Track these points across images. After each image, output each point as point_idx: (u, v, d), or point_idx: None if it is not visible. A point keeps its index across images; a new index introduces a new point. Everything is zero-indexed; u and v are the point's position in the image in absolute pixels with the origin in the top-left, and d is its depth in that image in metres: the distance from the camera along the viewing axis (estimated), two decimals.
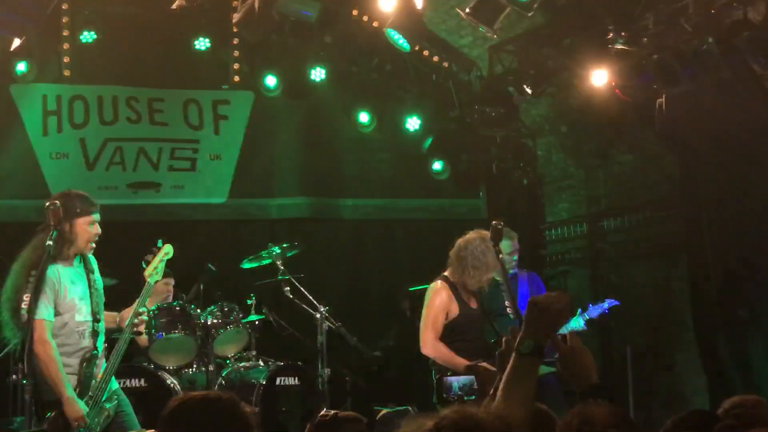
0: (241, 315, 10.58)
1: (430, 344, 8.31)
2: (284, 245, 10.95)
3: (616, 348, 13.29)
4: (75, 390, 7.08)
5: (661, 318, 12.70)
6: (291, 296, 10.74)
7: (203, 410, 3.78)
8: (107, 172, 12.52)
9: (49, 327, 7.02)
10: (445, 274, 8.57)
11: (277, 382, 10.26)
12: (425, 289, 8.75)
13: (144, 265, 7.86)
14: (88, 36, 11.97)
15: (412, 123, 13.15)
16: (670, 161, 12.46)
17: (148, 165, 12.68)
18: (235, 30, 11.67)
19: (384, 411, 11.08)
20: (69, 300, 7.16)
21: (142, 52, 12.48)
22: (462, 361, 8.19)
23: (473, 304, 8.52)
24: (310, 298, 10.64)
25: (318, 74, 12.41)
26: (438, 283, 8.52)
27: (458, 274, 8.45)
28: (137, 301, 7.51)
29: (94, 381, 7.21)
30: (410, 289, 12.27)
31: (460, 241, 8.54)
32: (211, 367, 10.21)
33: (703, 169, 11.72)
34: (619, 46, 9.98)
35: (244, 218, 13.16)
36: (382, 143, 13.78)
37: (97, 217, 7.33)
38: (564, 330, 8.50)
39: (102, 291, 7.50)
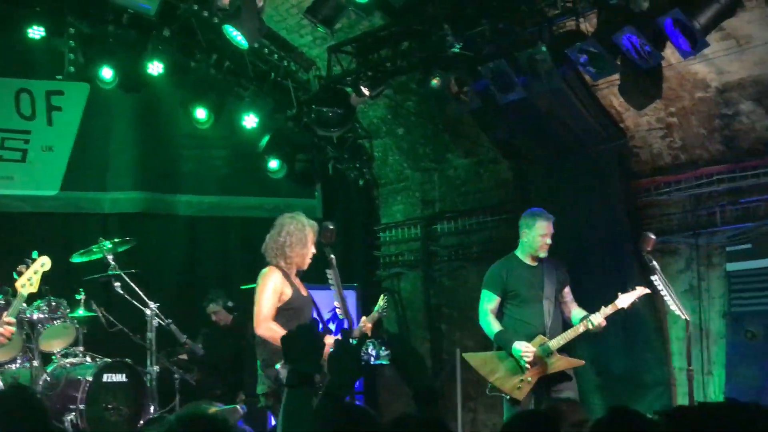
0: (68, 310, 10.39)
1: (264, 324, 8.21)
2: (116, 240, 10.80)
3: (446, 350, 13.47)
4: None
5: None
6: (121, 292, 10.58)
7: None
8: None
9: None
10: (272, 262, 8.52)
11: (105, 378, 10.14)
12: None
13: (15, 276, 7.68)
14: None
15: (250, 120, 13.09)
16: (504, 166, 12.68)
17: None
18: (70, 19, 11.46)
19: (212, 409, 11.00)
20: None
21: None
22: None
23: (304, 291, 8.51)
24: (141, 294, 10.50)
25: (156, 68, 12.23)
26: (268, 268, 8.46)
27: (284, 259, 8.44)
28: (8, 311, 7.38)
29: None
30: (242, 287, 12.23)
31: (273, 231, 8.59)
32: (35, 363, 10.00)
33: (536, 175, 11.97)
34: (457, 51, 10.10)
35: (75, 211, 12.90)
36: (219, 140, 13.70)
37: None
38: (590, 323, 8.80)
39: None
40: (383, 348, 4.12)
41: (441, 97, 11.21)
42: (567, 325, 9.28)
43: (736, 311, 10.29)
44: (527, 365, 8.99)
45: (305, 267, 8.54)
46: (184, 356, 11.73)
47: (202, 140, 13.57)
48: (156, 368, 10.34)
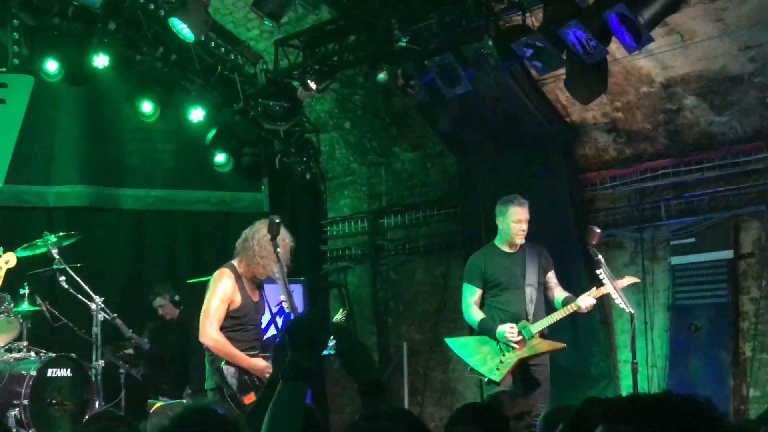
0: (12, 304, 10.29)
1: (209, 334, 8.20)
2: (60, 234, 10.69)
3: (393, 344, 13.50)
4: None
5: (438, 314, 12.94)
6: (66, 286, 10.48)
7: None
8: None
9: None
10: (232, 263, 8.48)
11: (49, 373, 10.02)
12: (203, 282, 8.67)
13: None
14: None
15: (196, 114, 13.01)
16: (450, 160, 12.72)
17: None
18: (14, 11, 11.35)
19: (158, 404, 10.97)
20: None
21: None
22: (239, 355, 8.17)
23: (255, 297, 8.47)
24: (86, 288, 10.41)
25: (101, 61, 12.12)
26: (223, 271, 8.40)
27: (245, 265, 8.39)
28: None
29: None
30: (188, 281, 12.18)
31: (246, 232, 8.47)
32: None
33: (482, 169, 12.01)
34: (403, 45, 10.10)
35: (20, 205, 12.76)
36: (165, 134, 13.61)
37: None
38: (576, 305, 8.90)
39: None
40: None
41: (388, 91, 11.22)
42: (552, 309, 9.32)
43: (680, 304, 10.40)
44: (513, 345, 9.07)
45: (267, 276, 8.45)
46: (130, 351, 11.66)
47: (148, 134, 13.48)
48: (101, 363, 10.26)
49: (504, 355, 9.12)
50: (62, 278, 10.46)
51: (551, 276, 9.47)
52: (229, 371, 8.18)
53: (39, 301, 10.69)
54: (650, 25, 8.60)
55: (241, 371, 8.20)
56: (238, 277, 8.36)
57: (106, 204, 13.29)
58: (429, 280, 13.22)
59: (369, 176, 13.96)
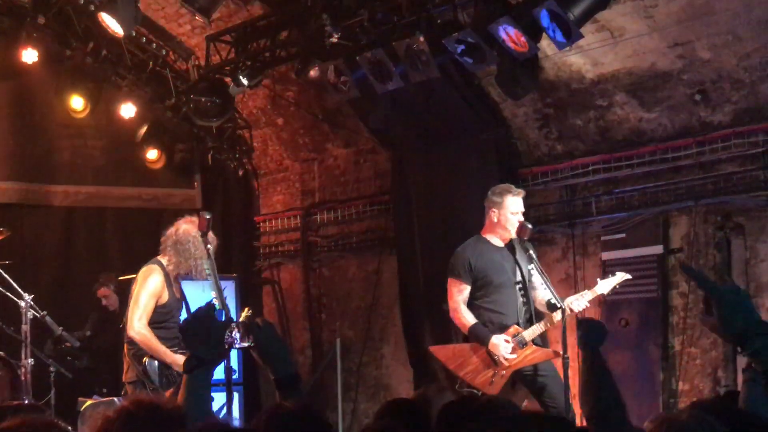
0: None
1: (137, 328, 8.29)
2: None
3: (326, 340, 13.50)
4: None
5: (371, 311, 12.96)
6: None
7: None
8: None
9: None
10: (159, 259, 8.54)
11: None
12: (134, 279, 8.67)
13: None
14: None
15: (127, 110, 12.90)
16: (383, 157, 12.74)
17: None
18: None
19: (89, 402, 10.86)
20: None
21: None
22: (164, 350, 8.28)
23: (178, 294, 8.57)
24: (15, 285, 10.29)
25: (30, 56, 11.98)
26: (153, 267, 8.48)
27: (174, 263, 8.46)
28: None
29: None
30: (119, 278, 12.09)
31: (171, 229, 8.54)
32: None
33: (413, 165, 12.03)
34: (335, 41, 10.09)
35: None
36: (96, 130, 13.48)
37: None
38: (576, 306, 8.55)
39: None
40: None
41: (320, 87, 11.21)
42: (537, 311, 8.87)
43: (610, 299, 10.48)
44: (509, 359, 8.62)
45: (202, 276, 8.49)
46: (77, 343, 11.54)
47: (78, 130, 13.35)
48: (31, 361, 10.15)
49: (497, 366, 8.66)
50: None
51: (536, 274, 8.92)
52: (152, 366, 8.27)
53: None
54: (580, 21, 8.66)
55: (164, 366, 8.32)
56: (166, 274, 8.45)
57: (35, 200, 13.15)
58: (362, 276, 13.23)
59: (302, 172, 13.95)
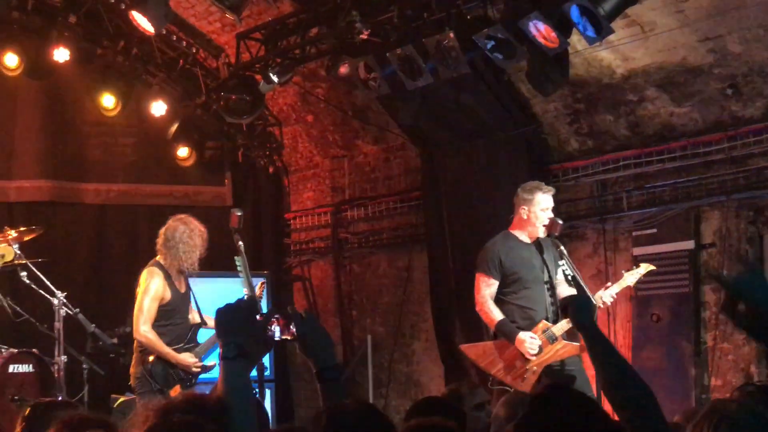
0: None
1: (142, 332, 8.87)
2: (22, 229, 10.64)
3: (357, 336, 13.52)
4: None
5: (401, 307, 12.97)
6: (28, 281, 10.45)
7: None
8: None
9: None
10: (157, 259, 9.06)
11: (11, 369, 10.00)
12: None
13: None
14: None
15: (158, 108, 12.96)
16: (413, 153, 12.74)
17: None
18: None
19: (121, 399, 10.91)
20: None
21: None
22: (169, 352, 8.90)
23: (182, 288, 9.10)
24: (48, 283, 10.38)
25: (61, 55, 12.05)
26: (152, 269, 9.02)
27: (170, 260, 9.00)
28: None
29: None
30: None
31: (163, 231, 9.11)
32: None
33: (443, 162, 12.03)
34: (365, 38, 10.10)
35: None
36: (127, 127, 13.55)
37: None
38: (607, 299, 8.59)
39: None
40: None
41: (349, 84, 11.22)
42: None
43: (642, 295, 10.45)
44: (530, 356, 8.60)
45: (194, 268, 9.10)
46: (115, 340, 11.60)
47: (109, 128, 13.42)
48: (64, 358, 10.24)
49: (528, 362, 8.63)
50: (23, 273, 10.43)
51: (561, 270, 8.92)
52: (155, 368, 8.88)
53: (0, 296, 10.64)
54: (611, 16, 8.63)
55: (169, 365, 8.89)
56: (166, 274, 8.98)
57: (67, 198, 13.23)
58: (392, 272, 13.24)
59: (332, 169, 13.96)
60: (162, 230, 9.13)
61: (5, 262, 10.24)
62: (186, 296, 9.20)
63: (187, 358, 9.00)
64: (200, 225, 9.15)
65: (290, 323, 4.10)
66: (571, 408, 3.29)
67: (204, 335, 9.39)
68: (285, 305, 9.21)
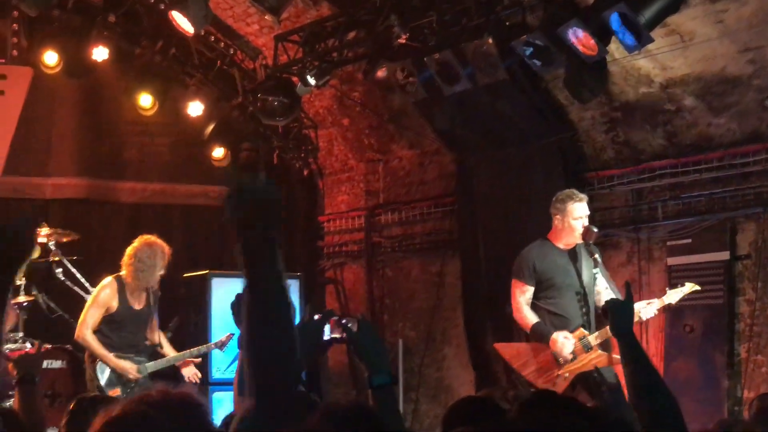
0: (9, 295, 10.28)
1: (82, 335, 9.47)
2: (59, 231, 10.74)
3: (388, 341, 13.50)
4: None
5: (433, 312, 12.95)
6: (63, 278, 10.52)
7: None
8: None
9: None
10: (120, 274, 9.63)
11: (44, 365, 10.05)
12: (200, 276, 9.18)
13: None
14: None
15: (194, 108, 12.99)
16: (448, 159, 12.73)
17: None
18: (13, 2, 11.35)
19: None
20: None
21: None
22: (106, 355, 9.45)
23: (138, 305, 9.67)
24: (83, 281, 10.45)
25: (100, 54, 12.11)
26: (106, 281, 9.63)
27: (130, 277, 9.57)
28: None
29: None
30: (184, 275, 12.17)
31: (129, 249, 9.63)
32: None
33: (478, 168, 12.02)
34: (403, 42, 10.11)
35: (17, 196, 12.78)
36: (163, 127, 13.61)
37: None
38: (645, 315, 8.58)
39: None
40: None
41: (386, 88, 11.23)
42: (600, 316, 8.80)
43: (675, 305, 10.40)
44: (566, 358, 8.59)
45: (155, 287, 9.76)
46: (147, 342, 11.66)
47: (146, 127, 13.49)
48: None
49: (561, 368, 8.62)
50: (59, 270, 10.49)
51: (600, 278, 8.88)
52: (101, 367, 9.45)
53: (35, 292, 10.69)
54: (650, 25, 8.62)
55: (113, 369, 9.48)
56: (121, 287, 9.60)
57: (103, 197, 13.33)
58: (425, 277, 13.22)
59: (366, 173, 13.96)
60: (129, 248, 9.63)
61: (36, 259, 10.28)
62: (142, 313, 9.72)
63: (125, 364, 9.52)
64: (165, 246, 9.71)
65: (342, 324, 4.11)
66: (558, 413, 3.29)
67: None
68: (317, 308, 9.24)
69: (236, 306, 3.77)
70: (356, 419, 3.50)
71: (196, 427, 2.89)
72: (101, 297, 9.56)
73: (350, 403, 3.66)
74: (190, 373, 9.96)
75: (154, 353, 9.92)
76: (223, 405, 10.80)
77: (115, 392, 9.27)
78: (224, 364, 11.55)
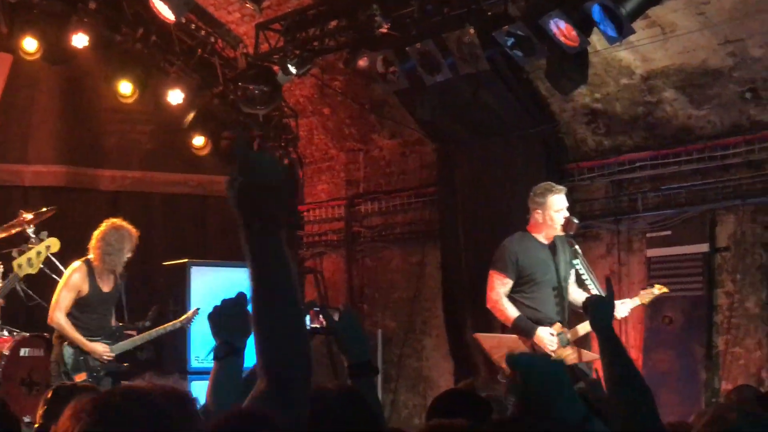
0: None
1: (55, 318, 9.48)
2: (37, 211, 10.64)
3: (368, 331, 13.50)
4: None
5: (413, 302, 12.96)
6: (42, 266, 10.45)
7: None
8: None
9: None
10: (88, 257, 9.66)
11: (21, 353, 10.00)
12: (179, 264, 9.11)
13: (16, 255, 8.95)
14: None
15: (175, 96, 12.94)
16: (429, 149, 12.72)
17: None
18: None
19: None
20: None
21: None
22: (79, 338, 9.49)
23: (106, 288, 9.71)
24: (62, 268, 10.38)
25: (80, 40, 12.06)
26: (76, 264, 9.67)
27: (98, 260, 9.61)
28: None
29: None
30: (164, 263, 12.14)
31: (95, 233, 9.68)
32: None
33: (459, 158, 12.02)
34: (384, 31, 10.08)
35: None
36: (143, 115, 13.56)
37: None
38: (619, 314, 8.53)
39: None
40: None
41: (367, 77, 11.21)
42: (572, 309, 8.83)
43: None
44: (548, 353, 8.45)
45: (119, 270, 9.78)
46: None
47: (126, 115, 13.44)
48: None
49: None
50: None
51: (573, 272, 8.90)
52: (68, 350, 9.48)
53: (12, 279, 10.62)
54: (632, 16, 8.61)
55: (80, 352, 9.54)
56: (90, 271, 9.63)
57: (82, 184, 13.27)
58: (405, 267, 13.23)
59: (347, 162, 13.95)
60: (96, 232, 9.68)
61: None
62: (110, 296, 9.78)
63: (97, 347, 9.58)
64: (132, 229, 9.75)
65: (322, 315, 4.10)
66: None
67: None
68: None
69: (215, 317, 3.73)
70: (345, 403, 3.50)
71: (189, 419, 2.88)
72: (72, 280, 9.60)
73: (338, 386, 3.66)
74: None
75: (121, 335, 9.90)
76: (201, 394, 10.76)
77: (81, 377, 9.31)
78: (203, 353, 11.51)
